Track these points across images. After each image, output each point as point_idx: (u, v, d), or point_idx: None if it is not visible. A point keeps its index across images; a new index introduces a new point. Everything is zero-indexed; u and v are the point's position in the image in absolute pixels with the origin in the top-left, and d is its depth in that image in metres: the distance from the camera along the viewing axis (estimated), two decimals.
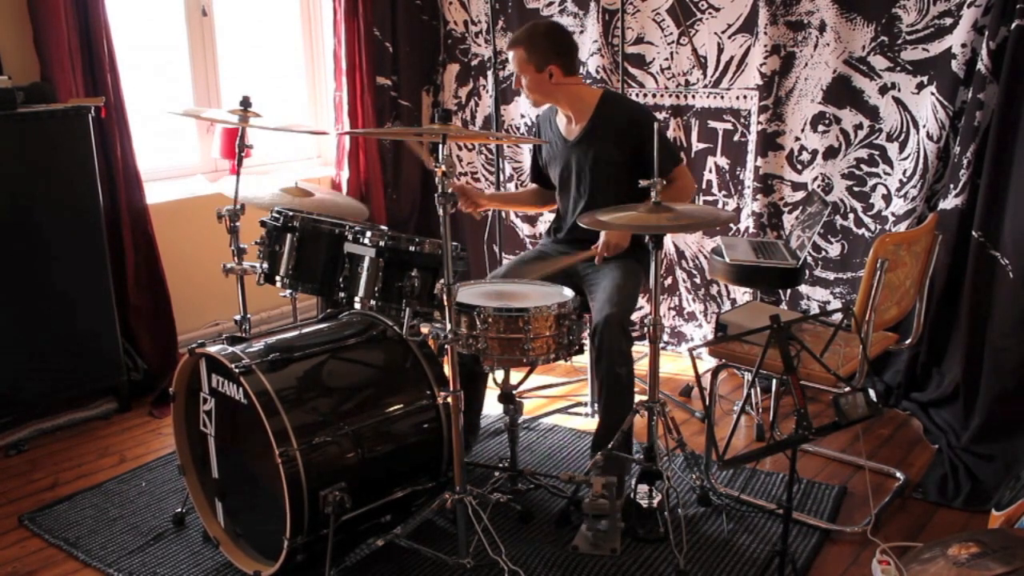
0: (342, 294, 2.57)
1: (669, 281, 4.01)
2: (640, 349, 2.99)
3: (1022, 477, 2.39)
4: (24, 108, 2.98)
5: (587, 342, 2.74)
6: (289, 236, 2.64)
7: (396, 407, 2.37)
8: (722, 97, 3.67)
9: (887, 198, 3.32)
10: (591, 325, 2.72)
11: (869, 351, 2.41)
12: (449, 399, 2.27)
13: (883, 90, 3.26)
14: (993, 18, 2.86)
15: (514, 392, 2.64)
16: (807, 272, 3.42)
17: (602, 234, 2.84)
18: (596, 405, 3.19)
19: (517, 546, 2.42)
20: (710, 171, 3.78)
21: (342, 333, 2.49)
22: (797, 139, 3.50)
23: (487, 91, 4.36)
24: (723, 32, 3.61)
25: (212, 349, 2.26)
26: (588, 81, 3.84)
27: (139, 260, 3.50)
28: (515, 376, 2.69)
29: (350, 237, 2.55)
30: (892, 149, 3.29)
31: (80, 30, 3.23)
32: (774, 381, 3.09)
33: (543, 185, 3.25)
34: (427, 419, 2.39)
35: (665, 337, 4.05)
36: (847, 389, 1.94)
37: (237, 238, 2.80)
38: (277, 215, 2.69)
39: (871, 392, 3.33)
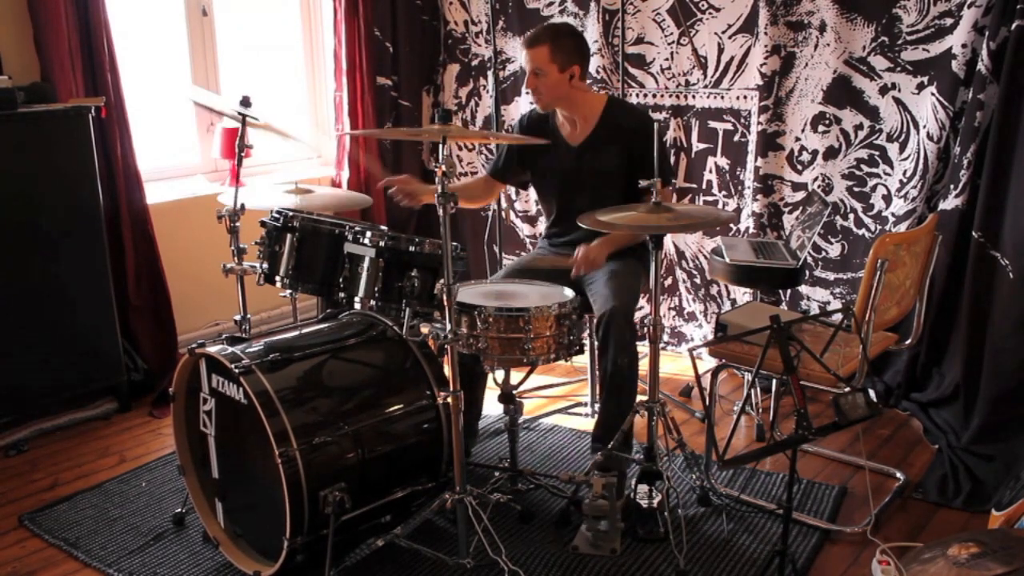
0: (342, 294, 2.57)
1: (669, 281, 4.01)
2: (640, 349, 2.98)
3: (1022, 477, 2.39)
4: (24, 108, 2.98)
5: (587, 342, 2.74)
6: (289, 236, 2.64)
7: (396, 407, 2.37)
8: (722, 97, 3.67)
9: (887, 198, 3.32)
10: (594, 319, 2.72)
11: (869, 351, 2.41)
12: (449, 399, 2.27)
13: (883, 90, 3.26)
14: (993, 18, 2.86)
15: (514, 392, 2.64)
16: (807, 272, 3.42)
17: (579, 248, 2.78)
18: (598, 401, 3.18)
19: (517, 546, 2.42)
20: (710, 171, 3.78)
21: (342, 333, 2.49)
22: (797, 139, 3.50)
23: (487, 91, 4.36)
24: (723, 32, 3.61)
25: (212, 349, 2.26)
26: (588, 82, 3.84)
27: (139, 260, 3.50)
28: (515, 376, 2.69)
29: (350, 237, 2.55)
30: (892, 149, 3.29)
31: (80, 30, 3.23)
32: (774, 381, 3.09)
33: (501, 180, 3.19)
34: (427, 419, 2.39)
35: (665, 337, 4.05)
36: (847, 389, 1.94)
37: (237, 238, 2.80)
38: (277, 215, 2.69)
39: (871, 392, 3.34)
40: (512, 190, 4.36)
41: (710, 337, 3.78)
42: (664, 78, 3.81)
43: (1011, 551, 2.00)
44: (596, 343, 2.74)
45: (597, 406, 3.09)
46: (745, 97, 3.60)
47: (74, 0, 3.19)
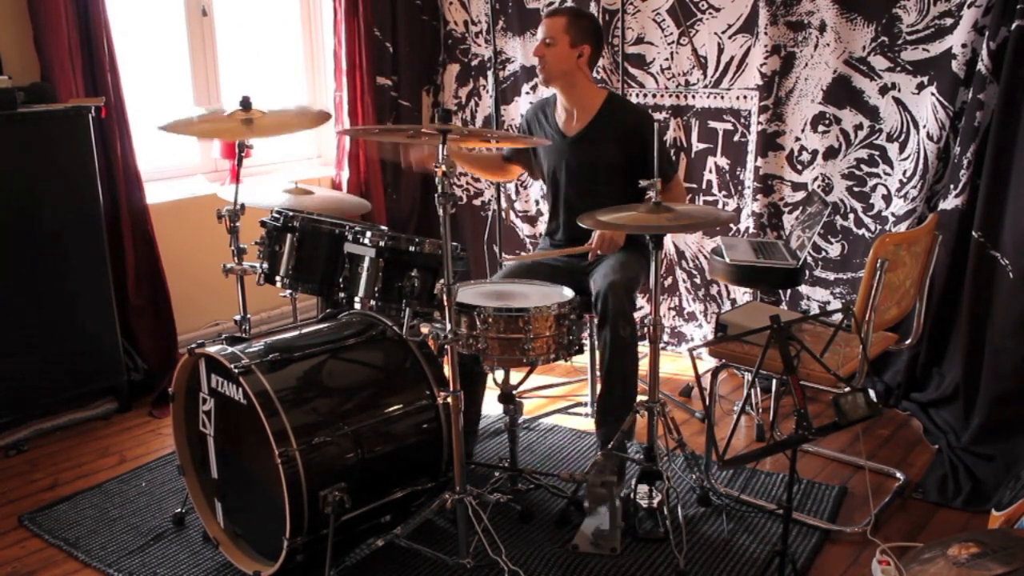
0: (342, 294, 2.56)
1: (669, 281, 4.01)
2: (640, 349, 2.98)
3: (1022, 477, 2.39)
4: (24, 108, 2.98)
5: (587, 342, 2.74)
6: (289, 236, 2.64)
7: (396, 407, 2.37)
8: (722, 97, 3.67)
9: (887, 198, 3.32)
10: (594, 295, 2.72)
11: (869, 351, 2.41)
12: (449, 399, 2.27)
13: (883, 90, 3.26)
14: (993, 18, 2.86)
15: (514, 392, 2.64)
16: (807, 272, 3.42)
17: (596, 231, 2.83)
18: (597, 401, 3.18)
19: (517, 546, 2.42)
20: (710, 171, 3.78)
21: (342, 333, 2.49)
22: (797, 139, 3.50)
23: (487, 91, 4.36)
24: (723, 32, 3.61)
25: (211, 349, 2.26)
26: None
27: (139, 260, 3.50)
28: (515, 376, 2.69)
29: (350, 237, 2.54)
30: (892, 149, 3.29)
31: (80, 30, 3.23)
32: (774, 381, 3.09)
33: (509, 161, 3.27)
34: (427, 419, 2.39)
35: (665, 337, 4.05)
36: (847, 389, 1.94)
37: (237, 238, 2.80)
38: (277, 215, 2.69)
39: (871, 392, 3.33)
40: (512, 188, 4.36)
41: (710, 337, 3.78)
42: (664, 78, 3.81)
43: (1011, 551, 2.00)
44: (595, 317, 2.74)
45: (598, 388, 3.10)
46: (745, 97, 3.60)
47: (74, 0, 3.19)
